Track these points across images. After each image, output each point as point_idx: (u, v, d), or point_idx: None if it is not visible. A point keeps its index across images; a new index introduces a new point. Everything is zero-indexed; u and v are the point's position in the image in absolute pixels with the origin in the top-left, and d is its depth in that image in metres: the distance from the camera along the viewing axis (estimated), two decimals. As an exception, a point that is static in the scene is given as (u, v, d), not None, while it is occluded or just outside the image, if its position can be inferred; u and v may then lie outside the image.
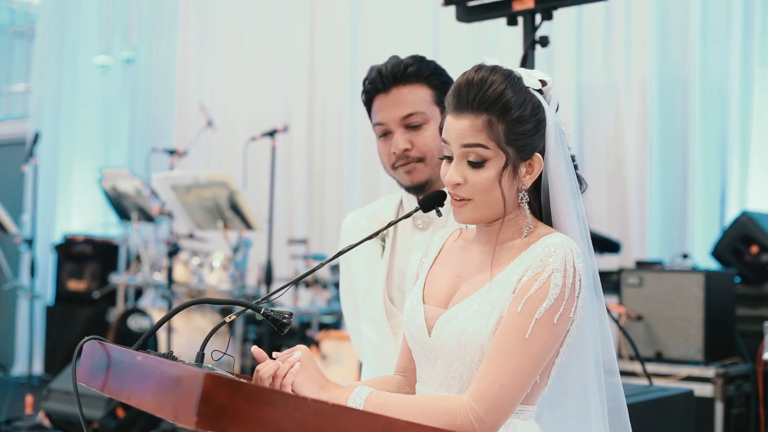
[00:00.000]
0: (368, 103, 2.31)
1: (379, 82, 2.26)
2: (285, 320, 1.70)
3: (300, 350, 1.71)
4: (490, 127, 1.72)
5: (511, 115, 1.72)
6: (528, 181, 1.76)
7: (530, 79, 1.77)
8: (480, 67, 1.77)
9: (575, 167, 1.84)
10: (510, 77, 1.75)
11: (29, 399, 6.19)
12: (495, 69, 1.76)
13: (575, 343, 1.74)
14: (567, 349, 1.73)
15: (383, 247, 2.34)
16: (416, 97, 2.24)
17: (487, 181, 1.73)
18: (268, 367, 1.68)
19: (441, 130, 1.79)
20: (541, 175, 1.78)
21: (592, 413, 1.78)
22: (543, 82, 1.78)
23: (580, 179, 1.84)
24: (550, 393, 1.80)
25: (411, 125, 2.24)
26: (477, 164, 1.73)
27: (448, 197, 1.84)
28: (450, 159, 1.76)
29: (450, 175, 1.75)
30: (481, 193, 1.73)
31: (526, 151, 1.74)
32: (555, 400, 1.82)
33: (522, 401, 1.71)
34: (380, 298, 2.30)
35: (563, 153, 1.77)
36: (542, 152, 1.76)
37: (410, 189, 2.29)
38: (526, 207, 1.77)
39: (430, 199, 1.91)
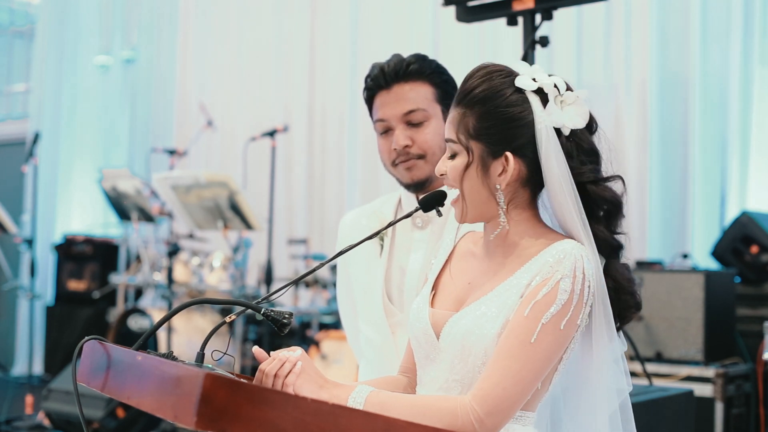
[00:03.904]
0: (369, 100, 2.32)
1: (381, 79, 2.26)
2: (285, 320, 1.70)
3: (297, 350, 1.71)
4: (462, 120, 1.74)
5: (478, 109, 1.73)
6: (502, 181, 1.72)
7: (525, 79, 1.73)
8: (480, 66, 1.77)
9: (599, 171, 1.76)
10: (494, 72, 1.74)
11: (29, 399, 6.18)
12: (487, 65, 1.76)
13: (585, 348, 1.73)
14: (571, 354, 1.72)
15: (382, 246, 2.34)
16: (418, 95, 2.25)
17: (453, 172, 1.76)
18: (273, 365, 1.68)
19: None
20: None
21: (599, 415, 1.77)
22: (541, 87, 1.74)
23: (608, 179, 1.76)
24: (561, 393, 1.80)
25: (412, 122, 2.25)
26: (452, 156, 1.77)
27: (449, 198, 1.84)
28: None
29: (437, 163, 1.81)
30: (458, 184, 1.76)
31: (495, 148, 1.72)
32: (564, 402, 1.81)
33: (522, 407, 1.70)
34: (379, 297, 2.30)
35: (556, 156, 1.71)
36: (517, 151, 1.72)
37: (410, 186, 2.29)
38: (503, 206, 1.74)
39: (431, 198, 1.90)
